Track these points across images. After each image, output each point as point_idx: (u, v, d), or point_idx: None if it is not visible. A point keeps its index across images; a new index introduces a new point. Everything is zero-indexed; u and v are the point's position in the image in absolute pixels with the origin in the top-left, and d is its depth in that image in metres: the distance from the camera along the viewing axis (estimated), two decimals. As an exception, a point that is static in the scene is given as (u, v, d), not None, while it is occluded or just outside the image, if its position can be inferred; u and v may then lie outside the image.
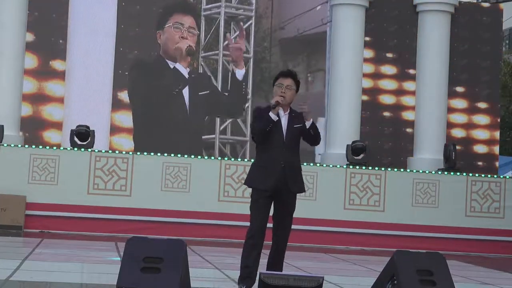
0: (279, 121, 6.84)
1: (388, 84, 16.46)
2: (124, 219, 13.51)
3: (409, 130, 16.32)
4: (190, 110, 16.08)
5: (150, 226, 13.44)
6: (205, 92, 16.20)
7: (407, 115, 16.37)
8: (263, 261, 6.91)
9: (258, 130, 6.81)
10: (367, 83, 16.26)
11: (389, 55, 16.53)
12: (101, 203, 13.51)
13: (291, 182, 6.80)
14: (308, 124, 6.83)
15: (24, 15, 15.19)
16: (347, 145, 14.73)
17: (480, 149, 16.60)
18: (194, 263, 8.75)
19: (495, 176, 15.14)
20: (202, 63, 16.44)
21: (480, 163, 16.56)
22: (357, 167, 14.24)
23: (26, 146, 13.86)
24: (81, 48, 15.79)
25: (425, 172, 14.42)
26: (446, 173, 14.50)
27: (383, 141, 16.36)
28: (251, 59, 16.47)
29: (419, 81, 16.13)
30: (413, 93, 16.30)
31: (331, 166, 14.29)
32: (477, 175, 14.63)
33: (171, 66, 16.07)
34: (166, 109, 16.02)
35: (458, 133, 16.52)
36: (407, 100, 16.39)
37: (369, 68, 16.30)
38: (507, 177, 15.07)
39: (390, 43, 16.55)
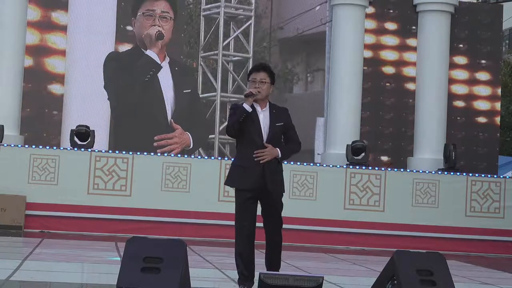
0: (256, 118, 6.71)
1: (388, 84, 16.46)
2: (124, 219, 13.51)
3: (409, 130, 16.31)
4: (175, 106, 15.98)
5: (150, 226, 13.44)
6: (188, 90, 16.14)
7: (407, 115, 16.37)
8: (261, 260, 6.90)
9: (232, 122, 6.69)
10: (367, 83, 16.25)
11: (389, 55, 16.52)
12: (101, 203, 13.50)
13: (270, 182, 6.68)
14: (279, 158, 6.72)
15: (24, 15, 15.19)
16: (347, 145, 14.73)
17: (480, 149, 16.59)
18: (194, 263, 8.75)
19: (495, 176, 15.14)
20: (202, 63, 16.44)
21: (480, 163, 16.55)
22: (357, 167, 14.24)
23: (26, 146, 13.87)
24: (80, 48, 15.79)
25: (425, 172, 14.42)
26: (446, 173, 14.50)
27: (383, 141, 16.35)
28: (251, 59, 16.46)
29: (419, 81, 16.13)
30: (413, 93, 16.30)
31: (331, 166, 14.29)
32: (477, 175, 14.63)
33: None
34: (144, 102, 15.88)
35: (458, 133, 16.52)
36: (407, 100, 16.39)
37: (369, 68, 16.29)
38: (507, 177, 15.07)
39: (390, 43, 16.54)
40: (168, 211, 13.61)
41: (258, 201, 6.78)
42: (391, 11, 16.56)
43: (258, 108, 6.76)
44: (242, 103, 6.72)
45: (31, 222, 13.26)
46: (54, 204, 13.39)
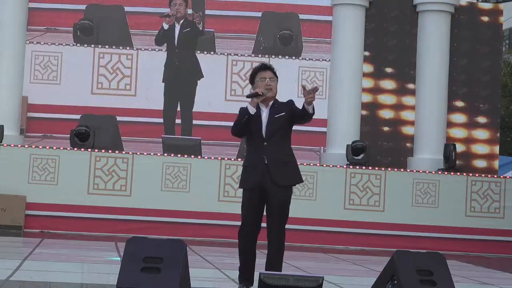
0: (259, 116, 6.66)
1: (388, 84, 16.45)
2: (124, 219, 13.52)
3: (409, 130, 16.29)
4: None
5: (150, 226, 13.45)
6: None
7: (407, 115, 16.35)
8: (263, 260, 6.90)
9: (235, 123, 6.71)
10: (367, 83, 16.23)
11: (389, 55, 16.51)
12: (101, 203, 13.51)
13: (277, 176, 6.63)
14: (309, 108, 6.52)
15: (24, 15, 15.20)
16: (347, 145, 14.73)
17: (480, 149, 16.58)
18: (194, 263, 8.75)
19: (495, 176, 15.13)
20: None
21: (480, 163, 16.53)
22: (357, 167, 14.25)
23: (26, 146, 13.87)
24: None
25: (425, 172, 14.42)
26: (446, 173, 14.50)
27: (383, 141, 16.34)
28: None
29: (419, 81, 16.11)
30: (413, 93, 16.28)
31: (331, 166, 14.29)
32: (477, 175, 14.63)
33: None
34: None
35: (458, 133, 16.50)
36: (407, 100, 16.37)
37: (369, 68, 16.27)
38: (507, 177, 15.07)
39: (390, 43, 16.53)
40: (168, 211, 13.61)
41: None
42: (391, 11, 16.54)
43: (263, 107, 6.71)
44: (246, 106, 6.69)
45: (31, 222, 13.26)
46: (54, 204, 13.40)
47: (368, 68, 16.26)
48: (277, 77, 6.78)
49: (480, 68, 16.63)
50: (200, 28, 15.99)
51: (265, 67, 6.78)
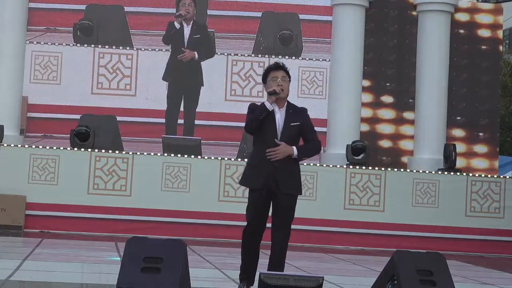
0: (273, 117, 6.63)
1: (388, 84, 16.45)
2: (124, 219, 13.52)
3: (409, 130, 16.29)
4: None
5: (150, 226, 13.45)
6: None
7: (407, 115, 16.35)
8: (265, 261, 6.90)
9: (251, 119, 6.64)
10: (367, 83, 16.23)
11: (389, 55, 16.50)
12: (101, 203, 13.51)
13: (282, 183, 6.62)
14: (295, 156, 6.63)
15: (24, 16, 15.21)
16: (347, 145, 14.73)
17: (480, 149, 16.58)
18: (194, 263, 8.75)
19: (495, 176, 15.13)
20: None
21: (480, 163, 16.54)
22: (357, 167, 14.24)
23: (26, 146, 13.88)
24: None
25: (425, 172, 14.42)
26: (446, 173, 14.50)
27: (383, 141, 16.33)
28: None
29: (419, 81, 16.11)
30: (413, 92, 16.28)
31: (331, 166, 14.29)
32: (477, 175, 14.63)
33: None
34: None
35: (458, 133, 16.50)
36: (407, 99, 16.36)
37: (368, 69, 16.26)
38: (507, 177, 15.07)
39: (390, 44, 16.53)
40: (168, 211, 13.61)
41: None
42: (391, 11, 16.54)
43: (276, 108, 6.68)
44: (260, 104, 6.66)
45: (31, 222, 13.26)
46: (54, 204, 13.40)
47: (368, 69, 16.23)
48: (289, 76, 6.76)
49: (480, 68, 16.63)
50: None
51: (277, 67, 6.74)
